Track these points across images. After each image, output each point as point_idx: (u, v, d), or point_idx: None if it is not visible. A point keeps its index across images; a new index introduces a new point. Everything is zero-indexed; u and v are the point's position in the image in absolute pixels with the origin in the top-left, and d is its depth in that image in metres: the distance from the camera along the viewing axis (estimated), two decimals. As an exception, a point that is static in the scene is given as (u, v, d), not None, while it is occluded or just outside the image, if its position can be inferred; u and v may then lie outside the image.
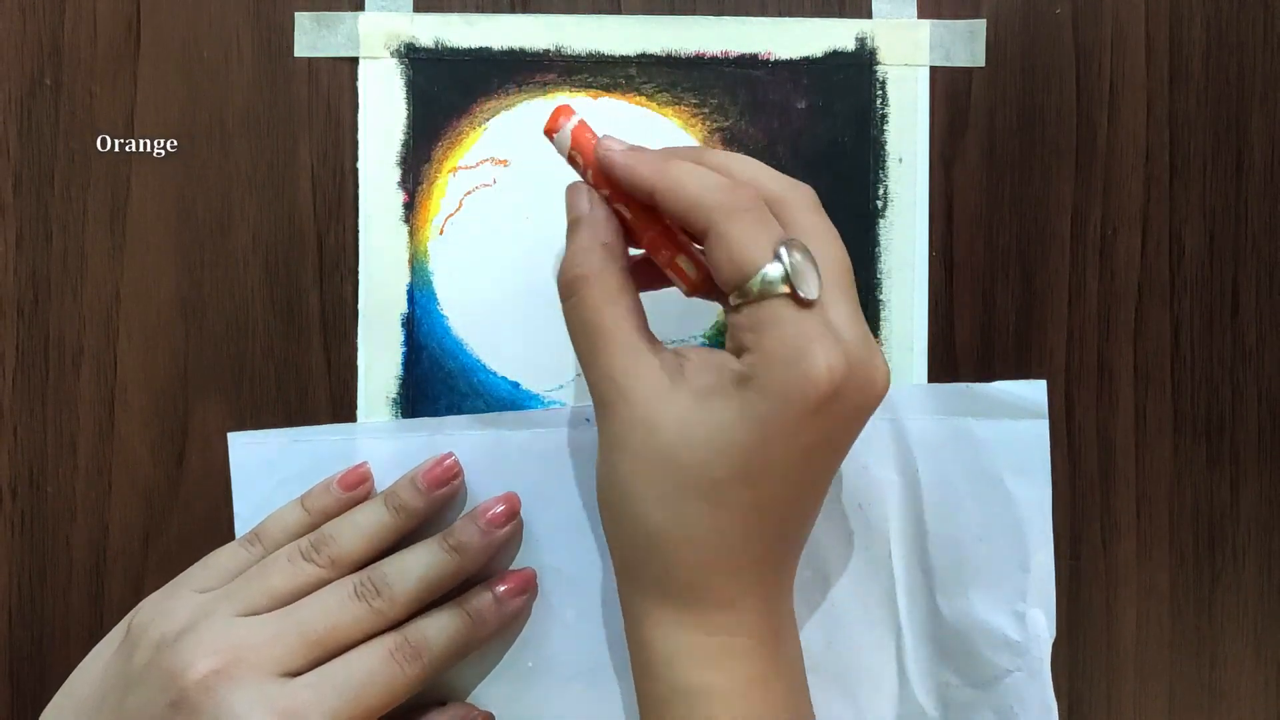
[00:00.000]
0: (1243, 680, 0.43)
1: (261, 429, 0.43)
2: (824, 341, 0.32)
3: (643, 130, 0.43)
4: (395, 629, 0.38)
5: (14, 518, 0.43)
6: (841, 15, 0.43)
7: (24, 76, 0.43)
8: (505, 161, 0.43)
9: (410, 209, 0.43)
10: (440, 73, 0.43)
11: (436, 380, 0.43)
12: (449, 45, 0.43)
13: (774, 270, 0.32)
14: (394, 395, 0.43)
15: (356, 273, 0.43)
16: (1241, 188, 0.43)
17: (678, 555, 0.34)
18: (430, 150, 0.43)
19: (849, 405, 0.33)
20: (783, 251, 0.32)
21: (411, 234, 0.43)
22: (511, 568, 0.42)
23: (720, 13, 0.43)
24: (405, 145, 0.43)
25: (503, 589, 0.40)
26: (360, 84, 0.43)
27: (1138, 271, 0.44)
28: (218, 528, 0.43)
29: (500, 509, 0.41)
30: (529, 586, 0.41)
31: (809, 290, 0.32)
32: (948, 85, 0.43)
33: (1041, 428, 0.42)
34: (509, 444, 0.42)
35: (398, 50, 0.43)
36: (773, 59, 0.43)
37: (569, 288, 0.35)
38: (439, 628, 0.39)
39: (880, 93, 0.43)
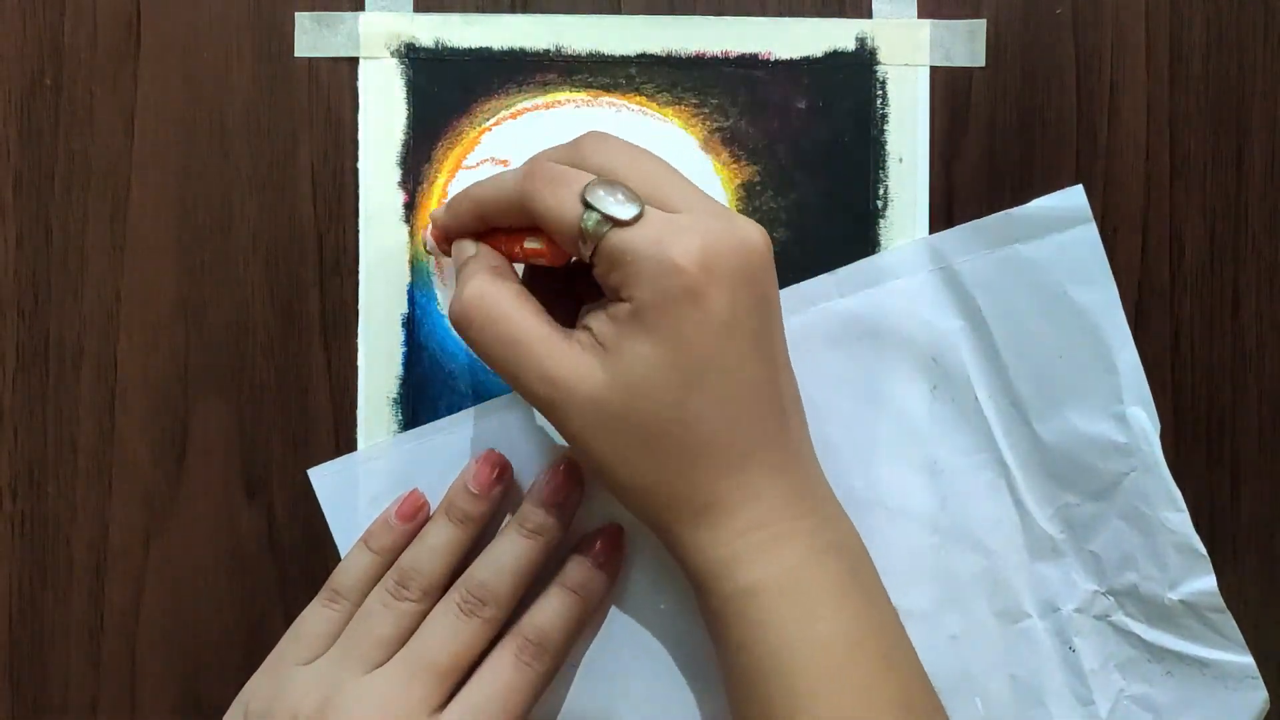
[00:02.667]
0: (1243, 680, 0.43)
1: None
2: (666, 237, 0.34)
3: (643, 131, 0.43)
4: (510, 631, 0.39)
5: (14, 518, 0.43)
6: (841, 15, 0.43)
7: (24, 76, 0.43)
8: (505, 161, 0.43)
9: (410, 209, 0.43)
10: (440, 73, 0.43)
11: (437, 380, 0.43)
12: (449, 45, 0.43)
13: (589, 216, 0.34)
14: (394, 395, 0.43)
15: (356, 273, 0.43)
16: (1241, 188, 0.43)
17: (682, 489, 0.35)
18: (430, 150, 0.43)
19: (727, 273, 0.34)
20: (585, 195, 0.34)
21: (412, 234, 0.43)
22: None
23: (720, 13, 0.43)
24: (405, 145, 0.43)
25: (597, 553, 0.40)
26: (360, 84, 0.43)
27: (1138, 272, 0.44)
28: (218, 527, 0.43)
29: (558, 480, 0.40)
30: (619, 542, 0.41)
31: (626, 212, 0.34)
32: (948, 85, 0.43)
33: (1090, 231, 0.42)
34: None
35: (398, 50, 0.43)
36: (773, 59, 0.43)
37: (465, 315, 0.36)
38: (552, 614, 0.39)
39: (880, 93, 0.43)
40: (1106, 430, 0.41)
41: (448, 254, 0.40)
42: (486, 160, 0.43)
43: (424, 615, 0.39)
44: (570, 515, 0.40)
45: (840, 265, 0.43)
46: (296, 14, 0.43)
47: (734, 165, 0.43)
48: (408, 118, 0.43)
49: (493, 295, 0.36)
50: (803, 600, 0.35)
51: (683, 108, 0.43)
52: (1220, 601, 0.41)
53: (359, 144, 0.43)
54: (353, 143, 0.43)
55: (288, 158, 0.43)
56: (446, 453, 0.42)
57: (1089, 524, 0.42)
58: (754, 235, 0.35)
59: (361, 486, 0.42)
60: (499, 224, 0.38)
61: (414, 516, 0.41)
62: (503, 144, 0.43)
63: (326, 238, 0.43)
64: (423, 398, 0.43)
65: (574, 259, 0.37)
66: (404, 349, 0.43)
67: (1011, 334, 0.42)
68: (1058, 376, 0.42)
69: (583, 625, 0.40)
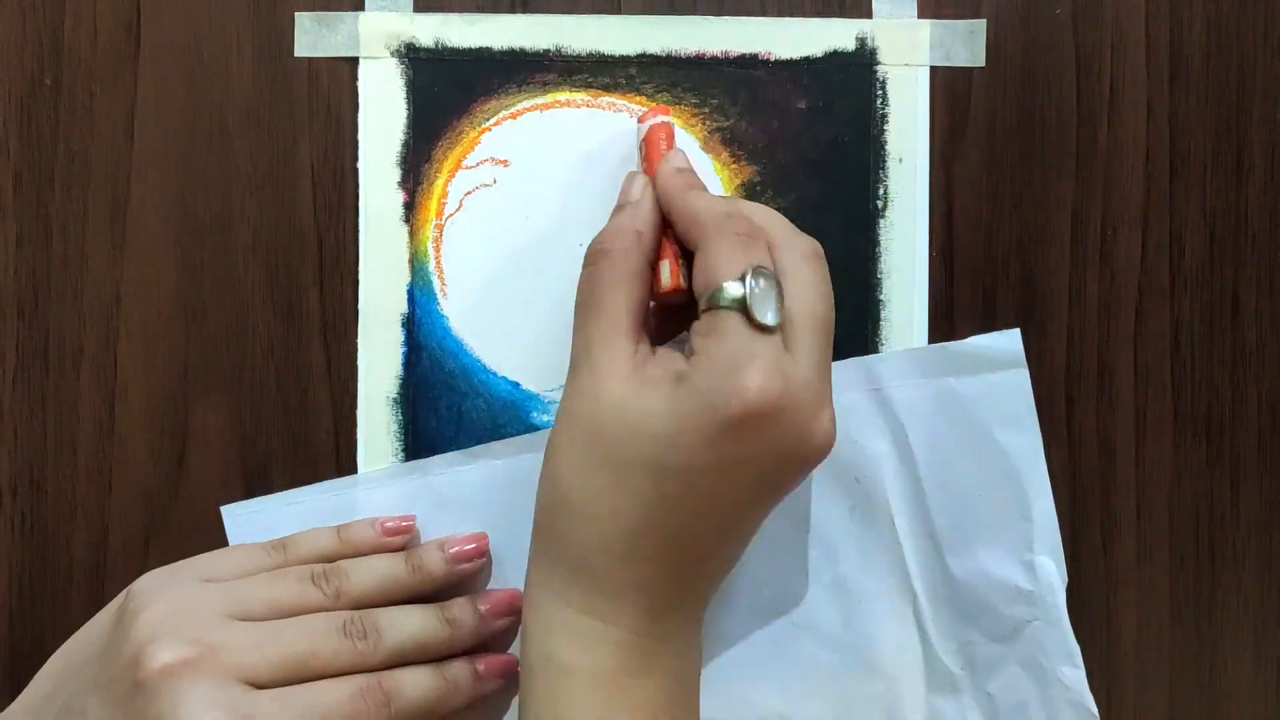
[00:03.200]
0: (1242, 681, 0.43)
1: (254, 497, 0.42)
2: (764, 364, 0.33)
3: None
4: (373, 672, 0.38)
5: (14, 518, 0.43)
6: (841, 15, 0.43)
7: (24, 76, 0.43)
8: (506, 162, 0.43)
9: (410, 209, 0.43)
10: (440, 73, 0.43)
11: (436, 380, 0.43)
12: (449, 45, 0.43)
13: (734, 288, 0.34)
14: (394, 395, 0.43)
15: (356, 273, 0.43)
16: (1241, 188, 0.43)
17: (577, 525, 0.35)
18: (430, 150, 0.43)
19: (776, 439, 0.34)
20: (749, 274, 0.34)
21: (411, 234, 0.43)
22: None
23: (720, 13, 0.43)
24: (405, 145, 0.43)
25: (483, 667, 0.40)
26: (360, 84, 0.43)
27: (1138, 272, 0.44)
28: (218, 528, 0.43)
29: (504, 601, 0.41)
30: (508, 672, 0.41)
31: (762, 315, 0.34)
32: (948, 85, 0.43)
33: (1022, 377, 0.42)
34: (498, 474, 0.42)
35: (398, 50, 0.43)
36: (773, 59, 0.43)
37: (591, 258, 0.37)
38: (414, 683, 0.38)
39: (880, 93, 0.43)
40: (1014, 575, 0.42)
41: (641, 160, 0.40)
42: (486, 160, 0.43)
43: (321, 612, 0.38)
44: (488, 635, 0.41)
45: (839, 265, 0.42)
46: (296, 14, 0.43)
47: (734, 165, 0.43)
48: (408, 118, 0.43)
49: (620, 260, 0.37)
50: (602, 707, 0.35)
51: (683, 108, 0.43)
52: None
53: (359, 144, 0.43)
54: (353, 143, 0.43)
55: (288, 158, 0.43)
56: (374, 507, 0.42)
57: (989, 665, 0.42)
58: (822, 434, 0.35)
59: (277, 531, 0.41)
60: (677, 225, 0.38)
61: (394, 535, 0.41)
62: (503, 144, 0.43)
63: (326, 238, 0.43)
64: (422, 398, 0.43)
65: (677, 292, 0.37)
66: (404, 349, 0.43)
67: (935, 465, 0.42)
68: (975, 514, 0.42)
69: (435, 715, 0.39)
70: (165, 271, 0.43)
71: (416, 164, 0.43)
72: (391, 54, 0.43)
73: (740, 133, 0.43)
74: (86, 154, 0.43)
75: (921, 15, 0.43)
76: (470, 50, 0.43)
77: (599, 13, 0.43)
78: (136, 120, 0.43)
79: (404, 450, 0.43)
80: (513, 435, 0.43)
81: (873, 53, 0.43)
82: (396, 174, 0.43)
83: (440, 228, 0.43)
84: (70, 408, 0.43)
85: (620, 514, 0.35)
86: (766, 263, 0.35)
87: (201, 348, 0.43)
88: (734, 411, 0.33)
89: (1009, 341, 0.42)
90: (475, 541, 0.41)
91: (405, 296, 0.43)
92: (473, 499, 0.42)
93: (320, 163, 0.43)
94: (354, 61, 0.43)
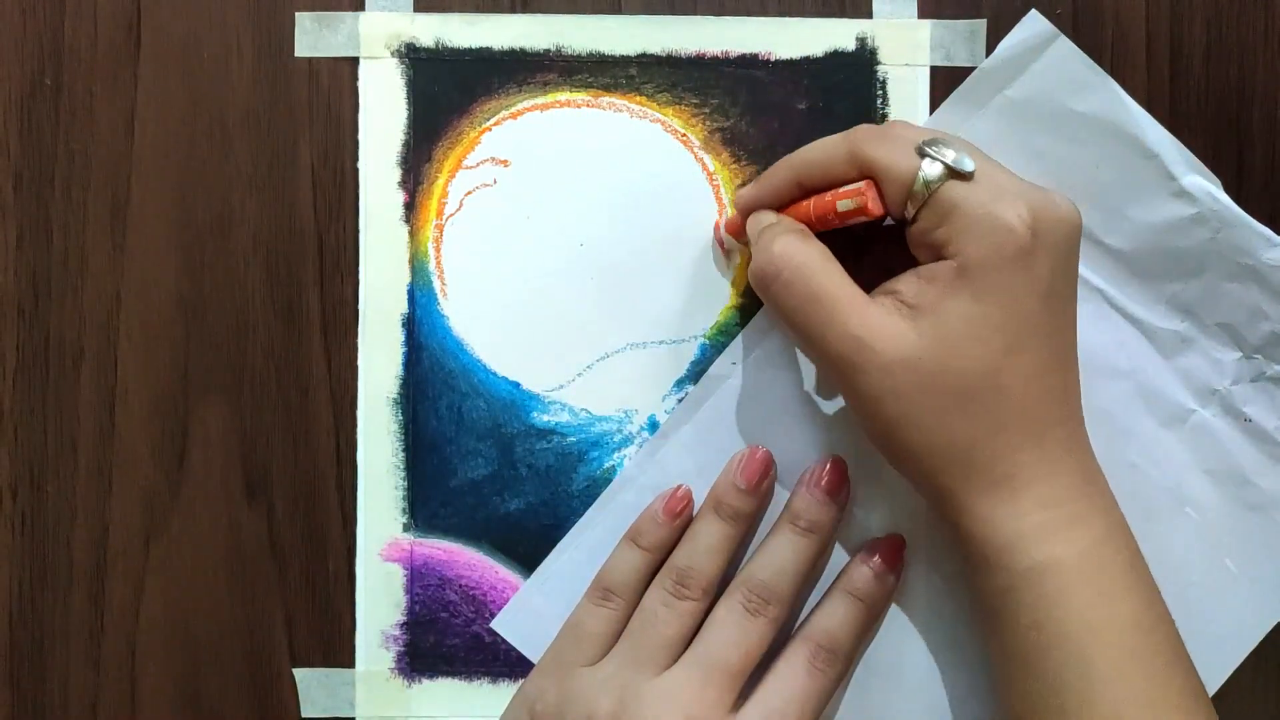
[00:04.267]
0: (1242, 681, 0.43)
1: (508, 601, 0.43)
2: (1003, 198, 0.35)
3: (643, 132, 0.43)
4: (799, 635, 0.39)
5: (14, 518, 0.43)
6: (842, 15, 0.43)
7: (24, 76, 0.43)
8: (506, 162, 0.43)
9: (410, 209, 0.43)
10: (441, 73, 0.43)
11: (437, 380, 0.43)
12: (449, 45, 0.43)
13: (930, 167, 0.35)
14: (394, 395, 0.43)
15: (356, 273, 0.43)
16: (1241, 188, 0.43)
17: (984, 456, 0.35)
18: (431, 150, 0.43)
19: (1052, 242, 0.35)
20: (925, 147, 0.35)
21: (412, 234, 0.43)
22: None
23: (720, 13, 0.43)
24: (405, 145, 0.43)
25: (877, 561, 0.40)
26: (360, 84, 0.43)
27: (1138, 271, 0.43)
28: (218, 527, 0.43)
29: (833, 474, 0.40)
30: (901, 554, 0.41)
31: (967, 164, 0.35)
32: (948, 85, 0.43)
33: (1064, 45, 0.41)
34: (685, 440, 0.42)
35: (398, 50, 0.43)
36: (773, 59, 0.43)
37: (774, 267, 0.37)
38: (840, 620, 0.39)
39: (881, 93, 0.43)
40: (1174, 209, 0.41)
41: (741, 238, 0.41)
42: (487, 160, 0.43)
43: (704, 614, 0.39)
44: (842, 511, 0.41)
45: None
46: (296, 14, 0.43)
47: (734, 165, 0.43)
48: (408, 118, 0.43)
49: (803, 252, 0.37)
50: (1101, 581, 0.35)
51: (683, 108, 0.43)
52: None
53: (359, 144, 0.43)
54: (353, 143, 0.43)
55: (288, 158, 0.43)
56: (592, 559, 0.42)
57: (1203, 301, 0.42)
58: (1071, 209, 0.36)
59: (548, 611, 0.42)
60: (817, 185, 0.38)
61: (681, 512, 0.41)
62: (503, 144, 0.43)
63: (326, 237, 0.43)
64: (423, 398, 0.43)
65: (886, 221, 0.38)
66: (404, 349, 0.43)
67: (1042, 171, 0.41)
68: (1104, 185, 0.41)
69: (868, 632, 0.40)
70: (165, 271, 0.43)
71: (417, 164, 0.43)
72: (392, 54, 0.43)
73: (741, 133, 0.43)
74: (86, 154, 0.43)
75: (922, 15, 0.43)
76: (470, 50, 0.43)
77: (599, 13, 0.43)
78: (136, 120, 0.43)
79: (404, 450, 0.43)
80: (513, 434, 0.43)
81: (873, 53, 0.43)
82: (397, 174, 0.43)
83: (441, 228, 0.43)
84: (70, 408, 0.43)
85: (1017, 409, 0.35)
86: (915, 133, 0.36)
87: (201, 348, 0.43)
88: (1024, 251, 0.34)
89: (1033, 24, 0.42)
90: (755, 459, 0.41)
91: (405, 296, 0.43)
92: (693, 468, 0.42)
93: (320, 163, 0.43)
94: (354, 61, 0.43)
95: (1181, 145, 0.41)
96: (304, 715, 0.43)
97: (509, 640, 0.43)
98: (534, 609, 0.42)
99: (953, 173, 0.35)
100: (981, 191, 0.35)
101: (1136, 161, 0.41)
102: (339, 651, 0.43)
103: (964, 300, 0.35)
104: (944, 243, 0.35)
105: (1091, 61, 0.41)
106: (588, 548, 0.42)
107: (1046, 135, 0.41)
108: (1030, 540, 0.35)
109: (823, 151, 0.38)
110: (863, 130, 0.38)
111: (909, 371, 0.35)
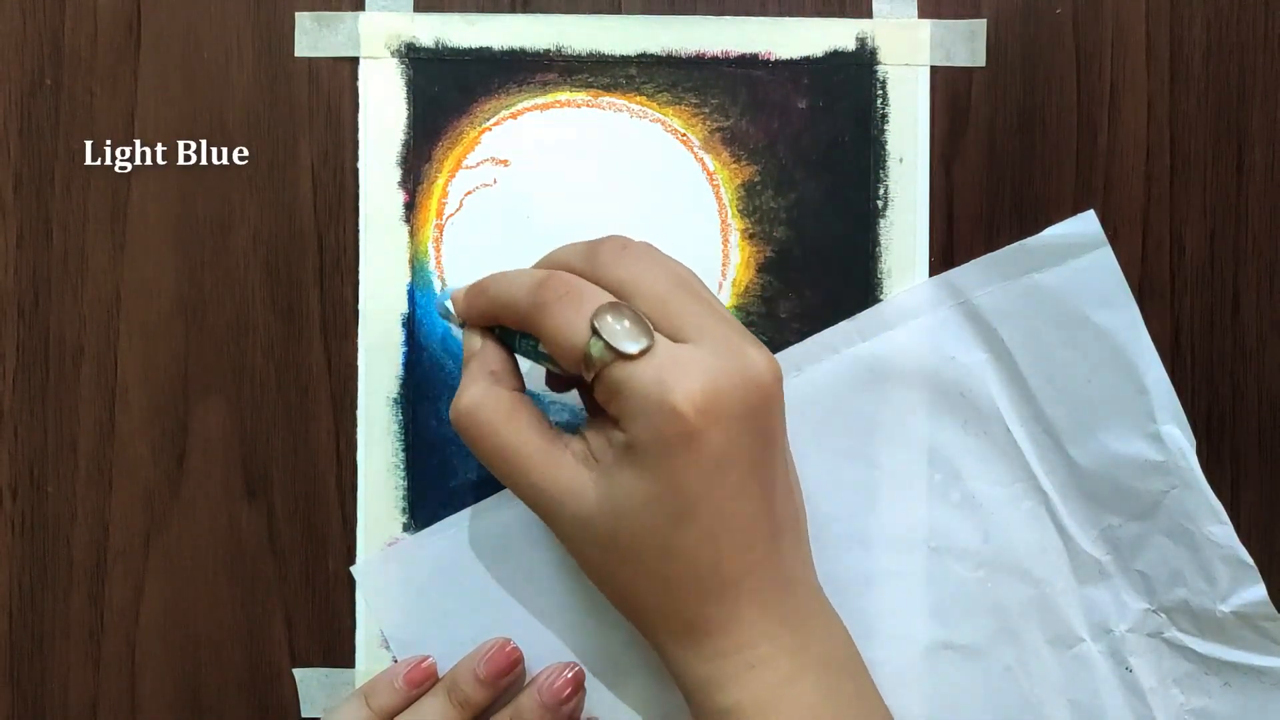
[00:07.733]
0: (1243, 680, 0.43)
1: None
2: (669, 377, 0.33)
3: (643, 132, 0.43)
4: None
5: (14, 518, 0.43)
6: (842, 15, 0.43)
7: (24, 76, 0.43)
8: (506, 162, 0.43)
9: (410, 209, 0.43)
10: (441, 73, 0.43)
11: (437, 381, 0.43)
12: (449, 45, 0.43)
13: (595, 345, 0.34)
14: (394, 395, 0.43)
15: (356, 273, 0.43)
16: (1241, 188, 0.43)
17: (666, 609, 0.35)
18: (431, 150, 0.43)
19: (732, 409, 0.33)
20: (595, 322, 0.34)
21: (412, 234, 0.43)
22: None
23: (720, 13, 0.43)
24: (405, 145, 0.43)
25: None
26: (360, 84, 0.43)
27: (1138, 272, 0.44)
28: (218, 527, 0.43)
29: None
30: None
31: (631, 347, 0.33)
32: (948, 85, 0.43)
33: (1107, 255, 0.42)
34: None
35: (398, 50, 0.43)
36: (773, 59, 0.43)
37: (460, 423, 0.37)
38: None
39: (880, 93, 0.43)
40: (1142, 450, 0.42)
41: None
42: (486, 160, 0.43)
43: None
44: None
45: (839, 265, 0.43)
46: (296, 14, 0.43)
47: (734, 165, 0.43)
48: (408, 118, 0.43)
49: (488, 406, 0.37)
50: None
51: (683, 108, 0.43)
52: (1273, 609, 0.41)
53: (359, 144, 0.43)
54: (353, 143, 0.43)
55: (288, 158, 0.43)
56: (452, 554, 0.42)
57: (1134, 544, 0.42)
58: (763, 372, 0.34)
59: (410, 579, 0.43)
60: (509, 325, 0.38)
61: (420, 684, 0.41)
62: (503, 144, 0.43)
63: (326, 238, 0.43)
64: (422, 398, 0.43)
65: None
66: (404, 349, 0.43)
67: (1037, 362, 0.42)
68: (1088, 400, 0.42)
69: None
70: (165, 271, 0.43)
71: (417, 164, 0.43)
72: (392, 54, 0.43)
73: (740, 133, 0.43)
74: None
75: (922, 15, 0.43)
76: (470, 50, 0.43)
77: (599, 13, 0.43)
78: (136, 121, 0.43)
79: (404, 450, 0.43)
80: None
81: (873, 53, 0.43)
82: (397, 174, 0.43)
83: (441, 228, 0.43)
84: (70, 408, 0.43)
85: (690, 572, 0.34)
86: (596, 298, 0.35)
87: (201, 348, 0.43)
88: (691, 430, 0.33)
89: (1086, 224, 0.42)
90: (503, 654, 0.41)
91: (405, 296, 0.43)
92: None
93: (320, 163, 0.43)
94: (354, 61, 0.43)
95: (1174, 394, 0.42)
96: (304, 715, 0.43)
97: (360, 588, 0.43)
98: (391, 575, 0.43)
99: (616, 352, 0.33)
100: (650, 371, 0.33)
101: (1127, 392, 0.42)
102: (339, 651, 0.43)
103: (631, 475, 0.34)
104: (617, 416, 0.34)
105: (1125, 282, 0.42)
106: (473, 538, 0.42)
107: (1055, 331, 0.42)
108: (714, 685, 0.35)
109: (510, 296, 0.36)
110: (549, 287, 0.35)
111: (587, 529, 0.35)
